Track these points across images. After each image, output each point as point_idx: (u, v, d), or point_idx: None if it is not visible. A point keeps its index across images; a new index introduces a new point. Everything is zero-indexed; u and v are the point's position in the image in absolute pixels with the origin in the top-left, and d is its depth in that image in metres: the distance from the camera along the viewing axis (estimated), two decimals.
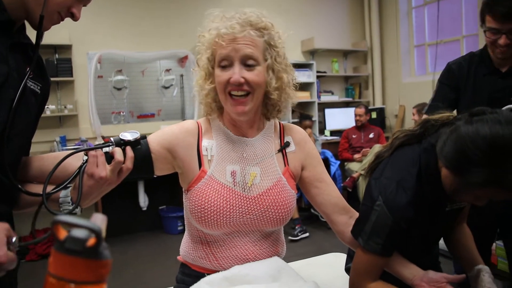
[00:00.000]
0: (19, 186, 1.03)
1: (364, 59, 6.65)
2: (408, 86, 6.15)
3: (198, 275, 1.27)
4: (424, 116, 1.70)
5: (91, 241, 0.45)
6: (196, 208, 1.19)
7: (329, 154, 5.58)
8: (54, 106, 4.65)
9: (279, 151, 1.30)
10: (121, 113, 5.17)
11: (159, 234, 4.88)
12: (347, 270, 1.55)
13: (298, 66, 5.89)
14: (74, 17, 1.09)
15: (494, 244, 2.53)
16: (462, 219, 1.50)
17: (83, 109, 4.88)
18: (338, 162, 5.51)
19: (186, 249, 1.33)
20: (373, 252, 1.23)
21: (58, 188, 1.05)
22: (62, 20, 1.09)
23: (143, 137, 1.18)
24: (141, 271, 3.89)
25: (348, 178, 5.13)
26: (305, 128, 5.20)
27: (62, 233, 0.46)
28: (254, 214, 1.22)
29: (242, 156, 1.25)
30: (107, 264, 0.47)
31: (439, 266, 1.51)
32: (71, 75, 4.69)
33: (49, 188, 1.05)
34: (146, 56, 5.17)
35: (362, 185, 4.97)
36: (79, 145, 4.60)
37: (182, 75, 5.47)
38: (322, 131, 6.23)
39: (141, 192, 4.93)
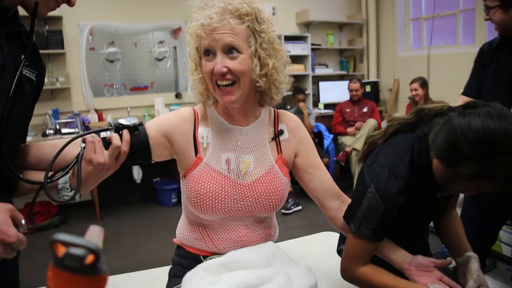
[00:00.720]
0: (20, 175, 1.04)
1: (360, 32, 6.59)
2: (403, 60, 6.12)
3: (194, 257, 1.31)
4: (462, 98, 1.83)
5: (90, 259, 0.46)
6: (192, 194, 1.21)
7: (322, 127, 5.61)
8: (46, 79, 4.57)
9: (272, 139, 1.32)
10: (114, 85, 5.12)
11: (153, 206, 4.93)
12: (339, 252, 1.59)
13: (293, 38, 5.83)
14: (70, 3, 1.08)
15: None
16: (452, 205, 1.53)
17: (75, 82, 4.82)
18: (332, 136, 5.54)
19: (182, 231, 1.35)
20: (364, 237, 1.26)
21: (59, 176, 1.06)
22: (58, 6, 1.07)
23: (141, 123, 1.19)
24: (135, 244, 3.95)
25: (341, 152, 5.17)
26: (298, 101, 5.20)
27: (61, 250, 0.47)
28: (247, 200, 1.24)
29: (236, 144, 1.26)
30: (104, 278, 0.49)
31: (428, 250, 1.55)
32: (63, 47, 4.61)
33: (48, 174, 1.06)
34: (138, 28, 5.08)
35: (354, 159, 5.01)
36: (72, 118, 4.58)
37: (175, 47, 5.40)
38: (316, 104, 6.22)
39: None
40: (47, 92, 4.68)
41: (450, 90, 5.11)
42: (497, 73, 1.89)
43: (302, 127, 1.39)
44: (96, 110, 4.94)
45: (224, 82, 1.15)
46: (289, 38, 5.78)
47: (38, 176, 1.08)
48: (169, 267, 1.58)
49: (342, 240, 1.60)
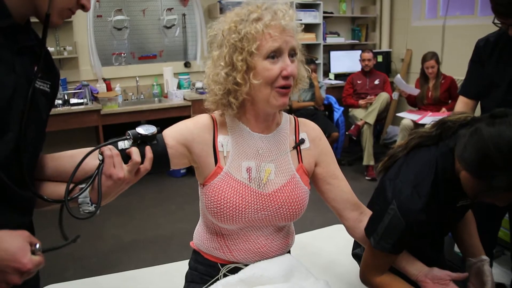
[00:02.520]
0: (42, 195, 1.03)
1: None
2: (417, 29, 5.95)
3: (212, 264, 1.32)
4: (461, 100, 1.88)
5: None
6: (212, 204, 1.20)
7: (332, 99, 5.55)
8: (53, 48, 4.52)
9: (294, 148, 1.29)
10: (122, 54, 5.04)
11: (162, 177, 4.96)
12: (354, 255, 1.59)
13: (305, 6, 5.66)
14: (85, 8, 1.04)
15: None
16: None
17: (83, 51, 4.75)
18: (342, 109, 5.49)
19: (200, 239, 1.35)
20: (383, 251, 1.26)
21: (79, 193, 1.04)
22: (73, 13, 1.03)
23: (159, 130, 1.16)
24: (145, 217, 4.00)
25: (353, 126, 5.12)
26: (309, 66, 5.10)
27: None
28: (268, 210, 1.23)
29: (257, 152, 1.24)
30: None
31: (444, 260, 1.54)
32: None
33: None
34: None
35: (366, 133, 4.98)
36: (80, 88, 4.54)
37: (184, 15, 5.27)
38: (326, 74, 6.12)
39: None
40: (55, 61, 4.59)
41: (464, 64, 5.00)
42: (499, 71, 1.82)
43: (323, 136, 1.36)
44: (104, 80, 4.89)
45: (286, 85, 1.14)
46: (301, 6, 5.61)
47: (57, 189, 1.07)
48: (182, 263, 1.59)
49: (357, 243, 1.60)
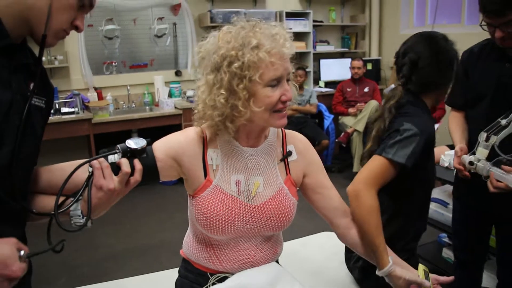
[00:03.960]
0: (31, 209, 1.05)
1: (362, 7, 6.46)
2: (406, 37, 5.97)
3: (201, 273, 1.34)
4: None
5: None
6: (201, 216, 1.22)
7: (323, 107, 5.60)
8: (44, 58, 4.53)
9: (281, 160, 1.32)
10: (113, 63, 5.05)
11: (153, 186, 4.95)
12: (348, 259, 1.64)
13: (294, 15, 5.73)
14: (78, 30, 1.07)
15: None
16: None
17: (74, 60, 4.76)
18: (332, 116, 5.53)
19: (189, 248, 1.37)
20: (399, 161, 1.42)
21: (68, 206, 1.06)
22: (68, 34, 1.06)
23: (149, 143, 1.18)
24: (135, 226, 4.00)
25: (343, 134, 5.17)
26: (296, 77, 5.14)
27: None
28: (257, 222, 1.25)
29: (246, 166, 1.26)
30: None
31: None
32: None
33: (59, 201, 1.07)
34: (137, 4, 4.97)
35: (356, 140, 5.03)
36: (71, 97, 4.54)
37: (175, 24, 5.31)
38: (316, 81, 6.18)
39: None
40: (46, 71, 4.61)
41: None
42: (483, 82, 1.86)
43: (311, 147, 1.39)
44: (95, 89, 4.90)
45: (284, 108, 1.17)
46: (290, 15, 5.67)
47: (49, 201, 1.09)
48: (172, 270, 1.61)
49: (348, 250, 1.64)
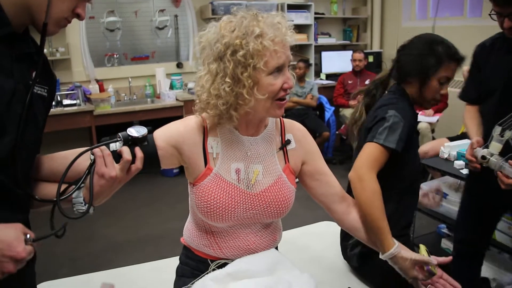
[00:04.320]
0: (34, 195, 1.07)
1: (364, 0, 6.44)
2: (407, 30, 6.01)
3: (202, 260, 1.36)
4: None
5: None
6: (202, 204, 1.24)
7: (324, 99, 5.60)
8: (46, 49, 4.53)
9: (280, 149, 1.34)
10: (115, 55, 5.06)
11: (154, 177, 4.98)
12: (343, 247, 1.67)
13: (296, 7, 5.72)
14: (80, 17, 1.08)
15: None
16: None
17: (75, 52, 4.77)
18: (333, 108, 5.54)
19: (190, 236, 1.39)
20: (389, 146, 1.50)
21: (70, 192, 1.08)
22: (70, 22, 1.07)
23: (150, 131, 1.19)
24: (137, 217, 4.02)
25: (343, 126, 5.18)
26: (296, 69, 5.13)
27: None
28: (256, 209, 1.27)
29: (246, 154, 1.28)
30: None
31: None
32: None
33: (61, 188, 1.09)
34: None
35: None
36: (73, 89, 4.56)
37: (176, 16, 5.31)
38: (318, 74, 6.18)
39: None
40: None
41: None
42: (495, 75, 1.86)
43: (309, 135, 1.41)
44: (97, 81, 4.91)
45: (285, 97, 1.20)
46: (292, 7, 5.66)
47: (52, 189, 1.10)
48: (173, 259, 1.63)
49: (344, 234, 1.67)
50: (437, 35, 1.70)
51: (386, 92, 1.77)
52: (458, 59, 1.63)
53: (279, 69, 1.15)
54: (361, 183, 1.42)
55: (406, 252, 1.31)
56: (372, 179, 1.43)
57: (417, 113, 1.73)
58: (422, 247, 1.36)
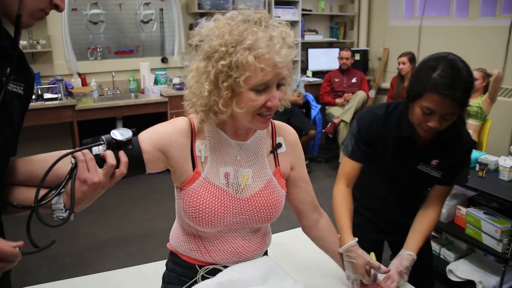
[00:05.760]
0: (10, 201, 1.00)
1: None
2: (394, 29, 6.03)
3: (189, 266, 1.30)
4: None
5: None
6: (190, 209, 1.18)
7: (310, 97, 5.57)
8: (26, 41, 4.41)
9: (271, 152, 1.29)
10: (98, 48, 4.95)
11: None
12: None
13: (283, 3, 5.67)
14: (59, 9, 1.00)
15: (465, 209, 2.64)
16: (435, 199, 1.72)
17: (57, 45, 4.64)
18: (319, 106, 5.52)
19: (177, 241, 1.33)
20: (347, 155, 1.72)
21: (49, 199, 1.01)
22: (47, 14, 0.99)
23: (134, 133, 1.13)
24: (121, 215, 3.95)
25: (330, 124, 5.16)
26: None
27: None
28: (246, 214, 1.23)
29: (235, 158, 1.23)
30: None
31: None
32: None
33: (40, 193, 1.02)
34: None
35: (342, 131, 5.02)
36: (54, 83, 4.44)
37: (161, 9, 5.21)
38: (304, 71, 6.15)
39: None
40: (28, 55, 4.49)
41: None
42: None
43: (299, 141, 1.38)
44: (79, 74, 4.79)
45: (269, 113, 1.11)
46: (279, 3, 5.61)
47: (30, 194, 1.03)
48: (159, 263, 1.58)
49: None
50: (454, 59, 1.43)
51: None
52: (443, 94, 1.37)
53: (264, 86, 1.07)
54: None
55: (362, 251, 1.44)
56: (336, 188, 1.73)
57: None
58: (372, 255, 1.49)
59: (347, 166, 1.70)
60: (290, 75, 1.14)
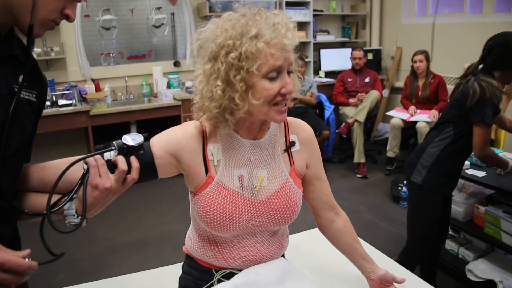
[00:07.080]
0: (22, 209, 1.00)
1: None
2: (407, 27, 5.97)
3: (205, 270, 1.29)
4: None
5: None
6: (204, 214, 1.17)
7: (323, 98, 5.54)
8: (40, 49, 4.46)
9: (284, 151, 1.26)
10: (111, 54, 4.99)
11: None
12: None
13: (294, 4, 5.65)
14: (70, 19, 1.01)
15: (483, 208, 2.60)
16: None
17: (70, 51, 4.69)
18: (333, 107, 5.48)
19: (192, 246, 1.32)
20: (488, 122, 2.08)
21: (61, 205, 1.01)
22: (58, 24, 1.00)
23: (146, 138, 1.12)
24: (136, 219, 3.96)
25: (343, 124, 5.12)
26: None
27: None
28: (262, 217, 1.20)
29: (249, 159, 1.21)
30: None
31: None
32: None
33: (52, 199, 1.02)
34: None
35: (356, 131, 4.98)
36: (68, 89, 4.48)
37: (173, 14, 5.24)
38: (316, 71, 6.12)
39: None
40: (42, 62, 4.55)
41: (453, 61, 5.01)
42: None
43: (314, 139, 1.34)
44: (93, 80, 4.84)
45: (284, 102, 1.10)
46: (290, 4, 5.60)
47: (42, 200, 1.03)
48: (175, 266, 1.57)
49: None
50: None
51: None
52: None
53: (276, 73, 1.06)
54: (486, 157, 2.21)
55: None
56: (491, 152, 2.21)
57: None
58: None
59: (488, 134, 2.11)
60: (295, 63, 1.14)
